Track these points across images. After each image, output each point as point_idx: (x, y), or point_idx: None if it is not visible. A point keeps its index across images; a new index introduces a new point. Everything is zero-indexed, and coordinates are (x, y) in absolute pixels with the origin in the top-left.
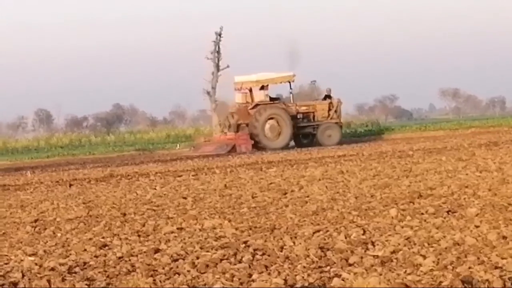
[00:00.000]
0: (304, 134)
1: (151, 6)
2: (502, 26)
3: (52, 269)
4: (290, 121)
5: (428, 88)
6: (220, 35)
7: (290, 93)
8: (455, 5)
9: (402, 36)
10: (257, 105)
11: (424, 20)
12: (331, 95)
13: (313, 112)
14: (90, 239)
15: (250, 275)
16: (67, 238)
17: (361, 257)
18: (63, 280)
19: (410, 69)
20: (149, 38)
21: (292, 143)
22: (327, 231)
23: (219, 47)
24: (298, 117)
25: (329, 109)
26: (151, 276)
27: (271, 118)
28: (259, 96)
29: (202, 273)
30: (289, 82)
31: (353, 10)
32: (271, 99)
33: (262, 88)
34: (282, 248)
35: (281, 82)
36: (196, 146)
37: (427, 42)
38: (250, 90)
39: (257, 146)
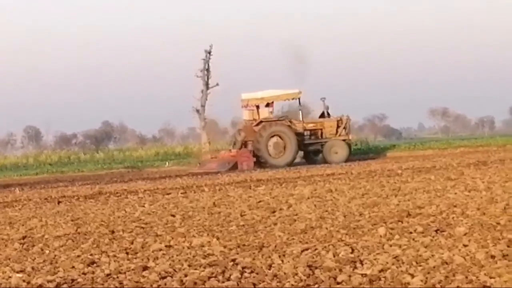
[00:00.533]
0: (312, 151)
1: (140, 23)
2: (491, 47)
3: (40, 286)
4: (295, 139)
5: (418, 107)
6: (209, 53)
7: (299, 110)
8: (445, 25)
9: (391, 55)
10: (261, 122)
11: (413, 39)
12: (329, 112)
13: (321, 129)
14: (78, 256)
15: None
16: (55, 255)
17: (349, 276)
18: None
19: (400, 88)
20: (138, 55)
21: (298, 160)
22: (316, 249)
23: (208, 65)
24: (305, 134)
25: (338, 126)
26: None
27: (275, 136)
28: (264, 113)
29: None
30: (298, 99)
31: (343, 30)
32: (282, 116)
33: (268, 105)
34: (270, 266)
35: (286, 99)
36: (202, 162)
37: (416, 61)
38: (257, 107)
39: (260, 163)
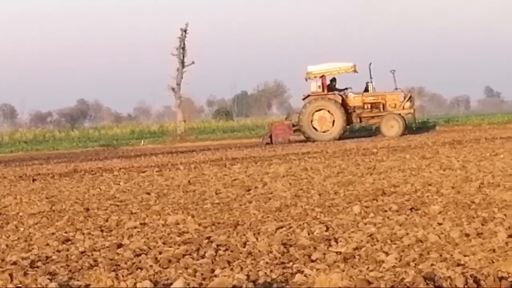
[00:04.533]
0: (371, 124)
1: (115, 1)
2: (467, 26)
3: (14, 263)
4: (342, 114)
5: (393, 87)
6: (185, 31)
7: (370, 82)
8: (421, 5)
9: (366, 34)
10: (308, 96)
11: (389, 18)
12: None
13: (383, 103)
14: (53, 233)
15: (212, 271)
16: (29, 233)
17: (324, 254)
18: (25, 274)
19: (375, 67)
20: (114, 33)
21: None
22: (290, 227)
23: (184, 43)
24: (366, 107)
25: (401, 100)
26: (114, 270)
27: (321, 110)
28: (313, 87)
29: (164, 268)
30: (369, 70)
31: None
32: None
33: (320, 78)
34: (245, 244)
35: (338, 73)
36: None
37: (391, 41)
38: (323, 78)
39: (306, 138)
